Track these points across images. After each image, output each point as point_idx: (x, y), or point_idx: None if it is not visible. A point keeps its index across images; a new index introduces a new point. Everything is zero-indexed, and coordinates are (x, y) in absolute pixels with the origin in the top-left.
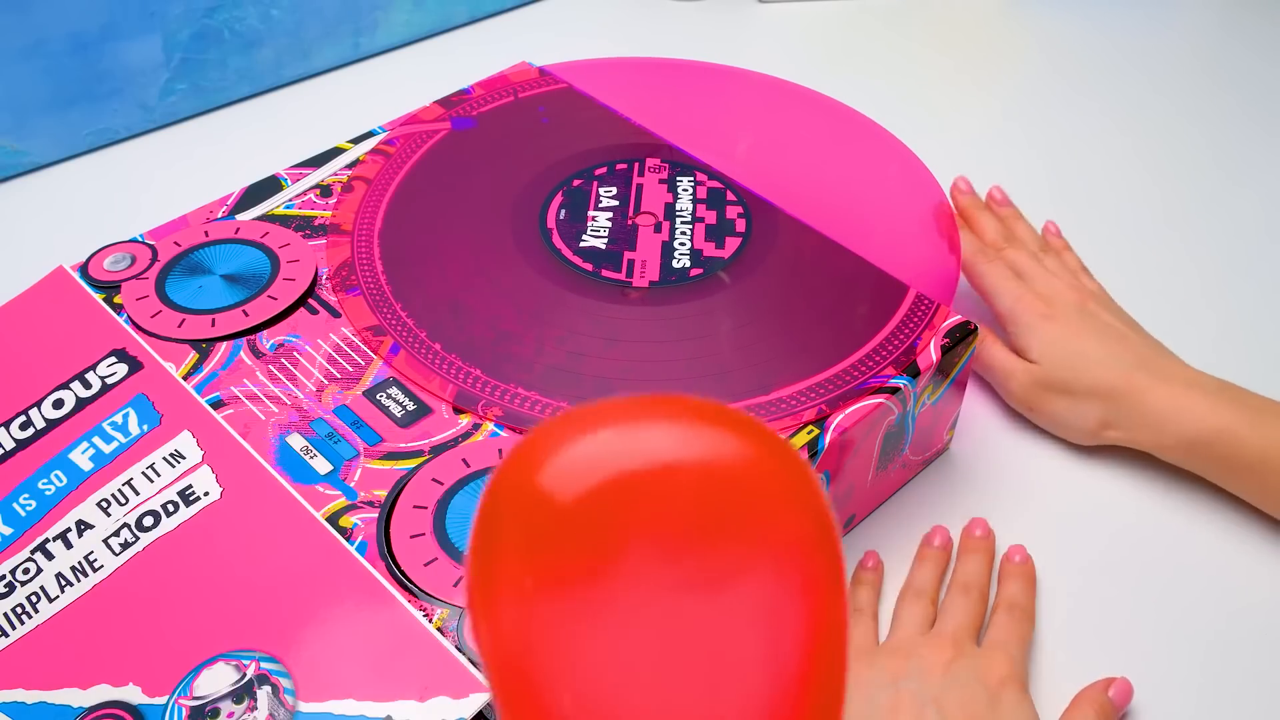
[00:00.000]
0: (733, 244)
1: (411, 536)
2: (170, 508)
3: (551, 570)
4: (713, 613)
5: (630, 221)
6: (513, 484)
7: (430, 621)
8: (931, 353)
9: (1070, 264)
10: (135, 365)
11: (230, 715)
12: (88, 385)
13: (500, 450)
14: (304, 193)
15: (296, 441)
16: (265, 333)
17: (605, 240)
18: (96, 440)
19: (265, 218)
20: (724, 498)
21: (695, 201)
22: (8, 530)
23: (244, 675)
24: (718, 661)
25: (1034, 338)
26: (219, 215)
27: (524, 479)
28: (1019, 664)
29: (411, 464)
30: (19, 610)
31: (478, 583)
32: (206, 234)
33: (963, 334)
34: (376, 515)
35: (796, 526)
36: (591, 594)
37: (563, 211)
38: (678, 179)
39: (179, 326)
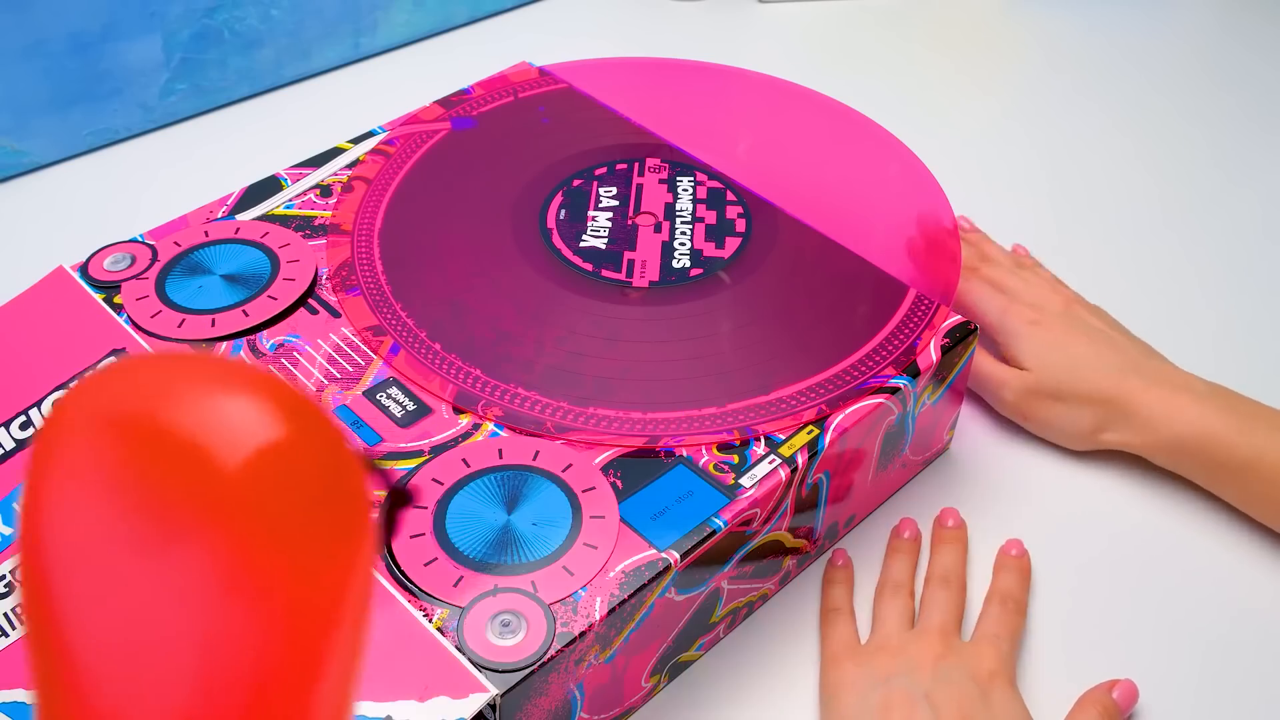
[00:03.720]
0: (733, 244)
1: (411, 536)
2: None
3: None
4: (214, 584)
5: (630, 221)
6: (90, 398)
7: (430, 621)
8: (931, 353)
9: (1045, 277)
10: None
11: None
12: None
13: (500, 450)
14: (304, 193)
15: None
16: (265, 333)
17: (605, 240)
18: None
19: (265, 218)
20: (247, 481)
21: (695, 201)
22: (8, 530)
23: None
24: (212, 631)
25: (1025, 345)
26: (219, 215)
27: (102, 400)
28: (1008, 658)
29: (411, 464)
30: (19, 610)
31: (30, 482)
32: (206, 234)
33: (963, 334)
34: (376, 515)
35: (312, 519)
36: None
37: (563, 211)
38: (678, 179)
39: (179, 326)
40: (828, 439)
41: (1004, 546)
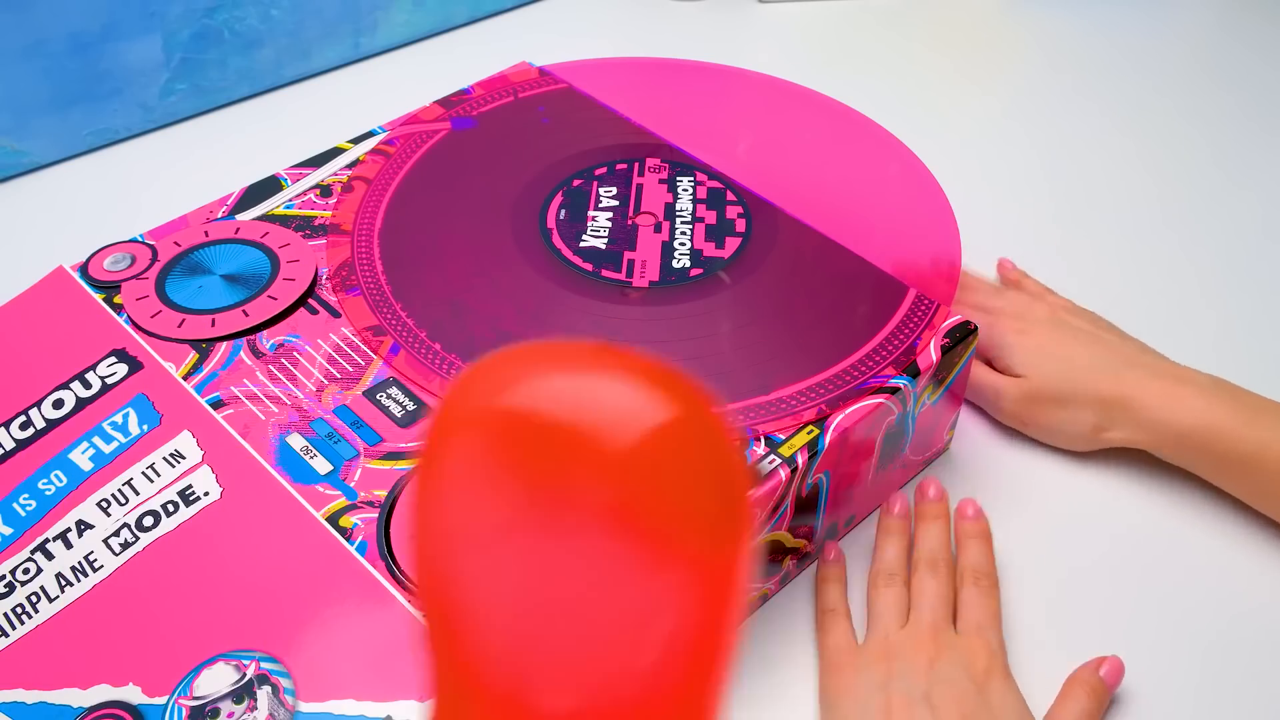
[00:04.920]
0: (733, 244)
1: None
2: (170, 508)
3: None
4: (617, 568)
5: (630, 221)
6: (474, 393)
7: None
8: (931, 353)
9: (1031, 289)
10: (135, 365)
11: (230, 715)
12: (88, 385)
13: None
14: (304, 193)
15: (296, 441)
16: (265, 333)
17: (605, 240)
18: (96, 440)
19: (265, 218)
20: (642, 465)
21: (695, 201)
22: (8, 530)
23: (244, 675)
24: (617, 613)
25: (1017, 354)
26: (219, 215)
27: (486, 395)
28: (998, 650)
29: (411, 464)
30: (19, 610)
31: (422, 476)
32: (206, 234)
33: (963, 334)
34: (376, 515)
35: (705, 501)
36: (515, 523)
37: (563, 211)
38: (678, 179)
39: (179, 326)
40: (828, 439)
41: (959, 510)
